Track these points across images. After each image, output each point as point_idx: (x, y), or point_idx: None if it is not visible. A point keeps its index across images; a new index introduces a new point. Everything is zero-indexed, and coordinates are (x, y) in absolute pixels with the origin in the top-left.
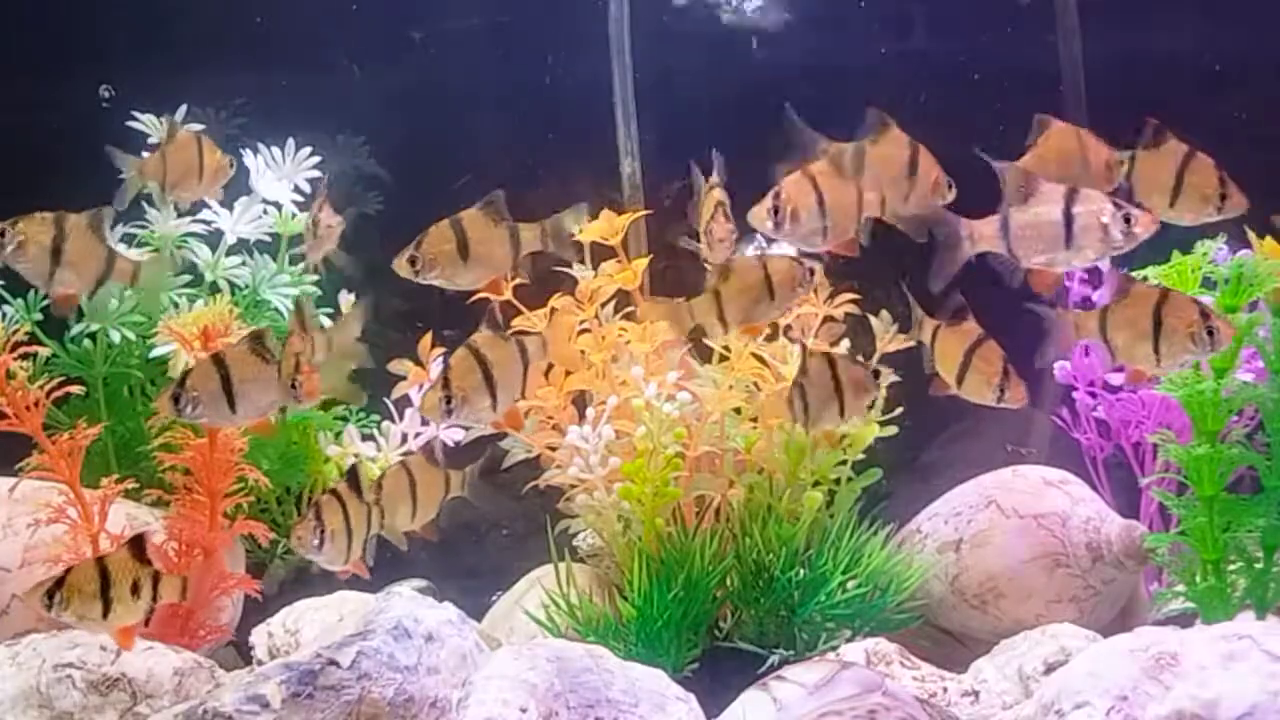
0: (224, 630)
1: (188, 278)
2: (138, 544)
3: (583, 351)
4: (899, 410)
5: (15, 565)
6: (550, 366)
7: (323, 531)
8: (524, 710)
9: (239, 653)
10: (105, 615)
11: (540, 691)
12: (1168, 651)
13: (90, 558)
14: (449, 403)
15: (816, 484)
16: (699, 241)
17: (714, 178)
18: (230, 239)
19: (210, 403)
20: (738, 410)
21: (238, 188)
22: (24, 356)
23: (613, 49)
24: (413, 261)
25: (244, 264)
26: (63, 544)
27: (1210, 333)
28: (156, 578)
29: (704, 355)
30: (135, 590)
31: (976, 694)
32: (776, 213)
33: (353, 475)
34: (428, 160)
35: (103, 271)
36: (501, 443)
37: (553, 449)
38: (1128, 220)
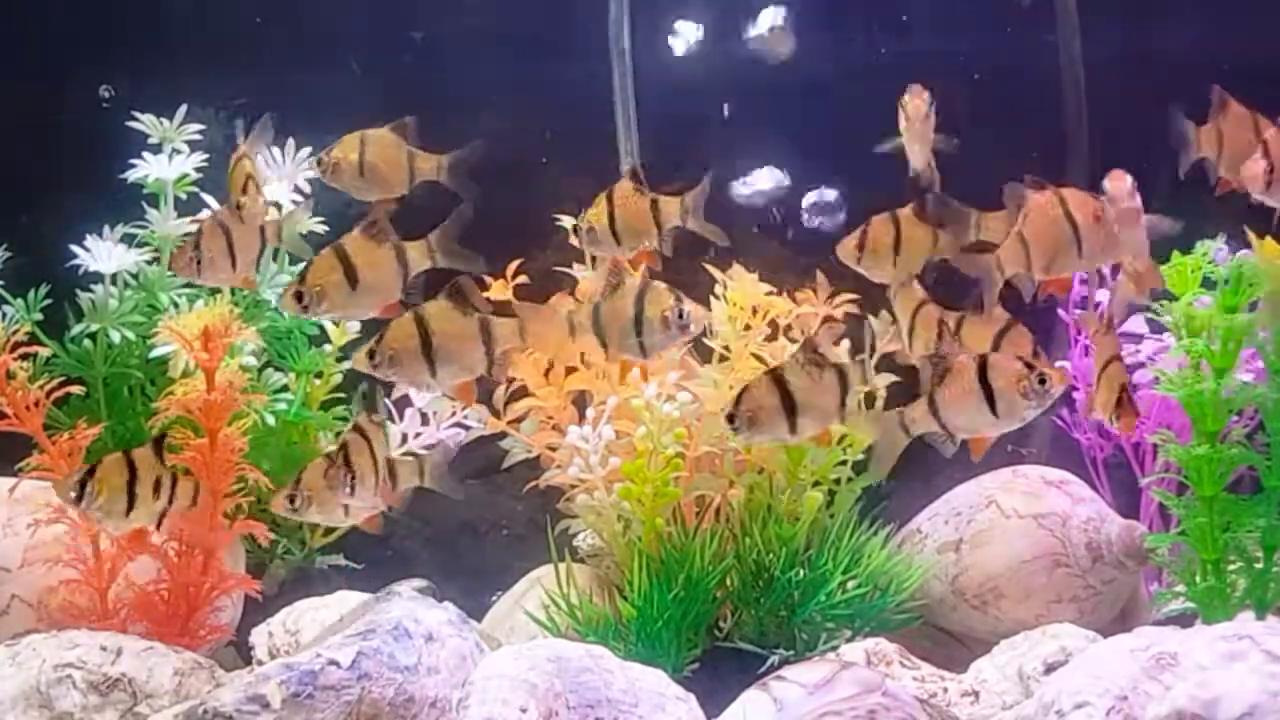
0: (224, 630)
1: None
2: (158, 445)
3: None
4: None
5: (15, 565)
6: (551, 365)
7: (353, 476)
8: (524, 710)
9: (239, 653)
10: (128, 512)
11: (540, 691)
12: (1168, 651)
13: (118, 452)
14: (373, 357)
15: (816, 484)
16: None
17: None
18: None
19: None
20: None
21: None
22: (24, 356)
23: (612, 50)
24: (299, 297)
25: None
26: (63, 544)
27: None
28: (174, 480)
29: (704, 355)
30: (156, 489)
31: (976, 694)
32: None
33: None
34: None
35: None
36: (502, 443)
37: (553, 449)
38: None
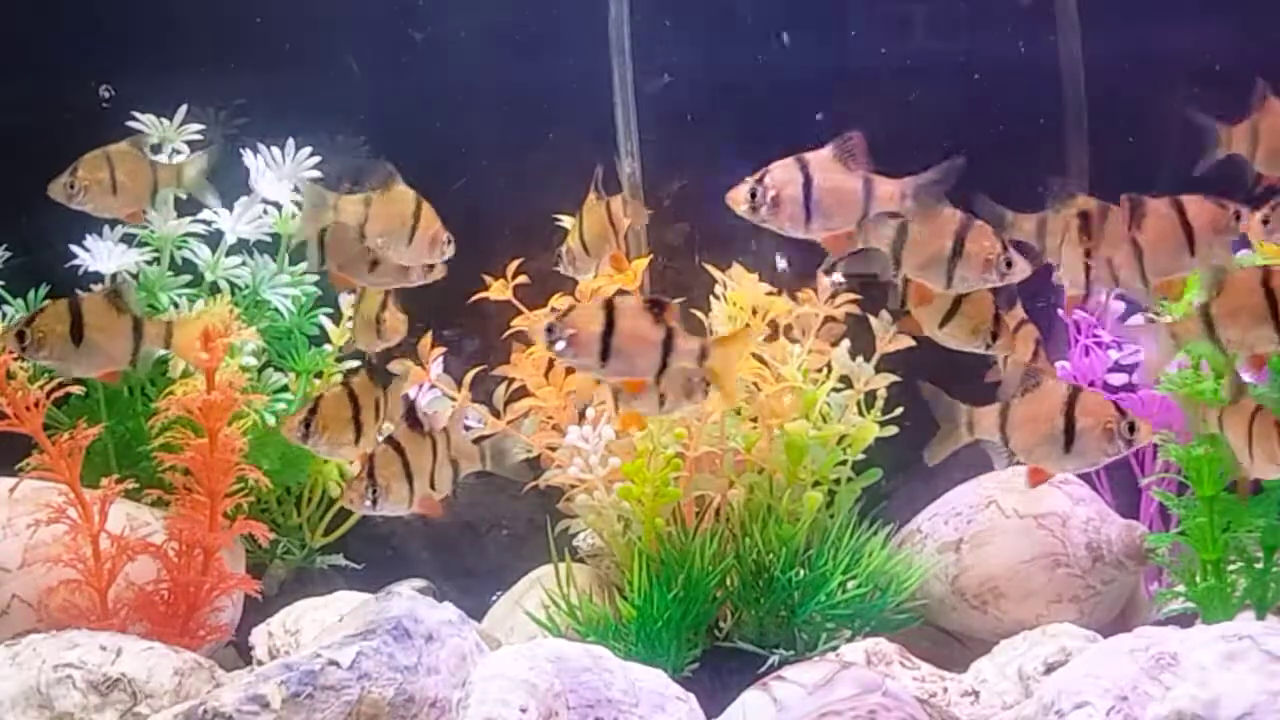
0: (224, 630)
1: (188, 278)
2: (371, 369)
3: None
4: (899, 410)
5: (15, 565)
6: (551, 364)
7: (375, 489)
8: (524, 710)
9: (239, 653)
10: (357, 441)
11: (540, 691)
12: (1168, 651)
13: (338, 386)
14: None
15: (816, 484)
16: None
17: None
18: (230, 239)
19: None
20: (738, 410)
21: (237, 188)
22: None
23: (613, 49)
24: (20, 337)
25: (244, 264)
26: (63, 544)
27: None
28: (387, 394)
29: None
30: (376, 411)
31: (976, 694)
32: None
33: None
34: (428, 161)
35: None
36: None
37: (553, 449)
38: None
